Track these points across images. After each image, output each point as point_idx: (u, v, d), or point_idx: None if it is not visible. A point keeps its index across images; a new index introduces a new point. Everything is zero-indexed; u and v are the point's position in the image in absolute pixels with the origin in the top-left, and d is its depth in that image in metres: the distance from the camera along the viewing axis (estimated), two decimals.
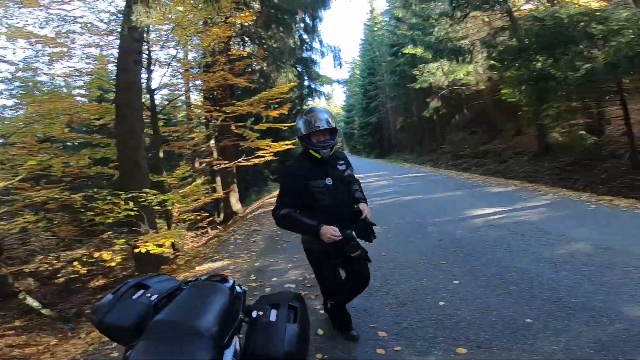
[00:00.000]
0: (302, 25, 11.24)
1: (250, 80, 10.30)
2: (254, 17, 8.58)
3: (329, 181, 2.10)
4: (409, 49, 14.01)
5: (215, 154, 12.66)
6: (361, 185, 2.39)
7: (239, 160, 12.25)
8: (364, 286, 2.41)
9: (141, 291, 1.39)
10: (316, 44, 11.65)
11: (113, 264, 4.39)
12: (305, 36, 11.43)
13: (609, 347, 2.08)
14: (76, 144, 12.75)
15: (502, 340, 2.32)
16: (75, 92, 9.24)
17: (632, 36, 6.83)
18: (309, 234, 2.07)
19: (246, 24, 9.74)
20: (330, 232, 1.96)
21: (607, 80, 7.81)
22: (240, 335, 1.39)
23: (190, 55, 10.98)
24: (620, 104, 8.41)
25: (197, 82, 11.00)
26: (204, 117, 12.65)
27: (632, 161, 8.26)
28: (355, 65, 44.16)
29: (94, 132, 9.68)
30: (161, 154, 9.55)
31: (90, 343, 3.39)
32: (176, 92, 11.44)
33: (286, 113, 11.16)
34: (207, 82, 9.51)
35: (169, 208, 7.92)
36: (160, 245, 4.49)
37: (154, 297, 1.36)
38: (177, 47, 8.29)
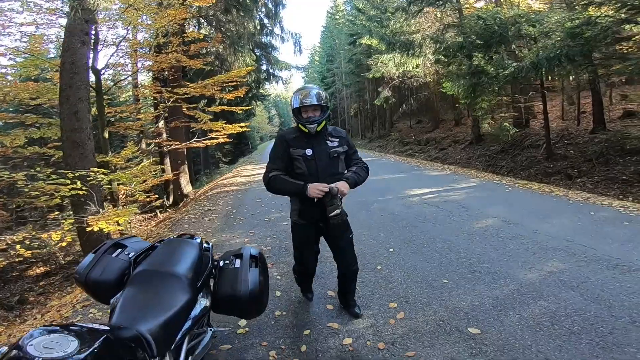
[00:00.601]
0: (263, 10, 11.12)
1: (206, 63, 10.08)
2: (214, 0, 8.38)
3: (308, 151, 2.19)
4: (365, 40, 14.38)
5: (164, 135, 12.28)
6: (364, 170, 2.37)
7: (191, 141, 12.00)
8: (350, 271, 2.48)
9: (119, 250, 1.61)
10: (277, 30, 11.61)
11: (64, 243, 4.33)
12: (266, 21, 11.31)
13: (504, 303, 2.66)
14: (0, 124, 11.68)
15: (425, 296, 2.86)
16: (9, 71, 8.43)
17: (558, 38, 7.80)
18: (297, 194, 2.15)
19: (204, 6, 9.46)
20: (318, 187, 2.06)
21: (532, 79, 8.90)
22: (211, 282, 1.69)
23: (140, 35, 10.42)
24: (541, 100, 9.63)
25: (147, 63, 10.48)
26: (152, 97, 12.14)
27: (547, 152, 9.56)
28: (315, 51, 44.02)
29: (28, 112, 8.96)
30: (106, 135, 9.12)
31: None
32: (122, 72, 10.82)
33: (241, 96, 11.10)
34: (159, 63, 9.15)
35: (115, 190, 7.70)
36: (116, 223, 4.48)
37: (132, 254, 1.59)
38: (127, 27, 7.86)
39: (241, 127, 13.02)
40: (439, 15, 11.97)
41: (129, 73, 10.50)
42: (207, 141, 12.08)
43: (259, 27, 11.30)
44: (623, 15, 6.83)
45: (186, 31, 10.09)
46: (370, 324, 2.51)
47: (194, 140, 12.07)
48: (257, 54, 11.55)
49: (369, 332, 2.41)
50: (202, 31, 10.75)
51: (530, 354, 2.05)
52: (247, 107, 13.55)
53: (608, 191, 7.51)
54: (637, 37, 7.27)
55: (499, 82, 8.36)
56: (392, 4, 14.64)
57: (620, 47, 7.79)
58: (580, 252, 3.52)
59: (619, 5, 6.77)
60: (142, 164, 11.06)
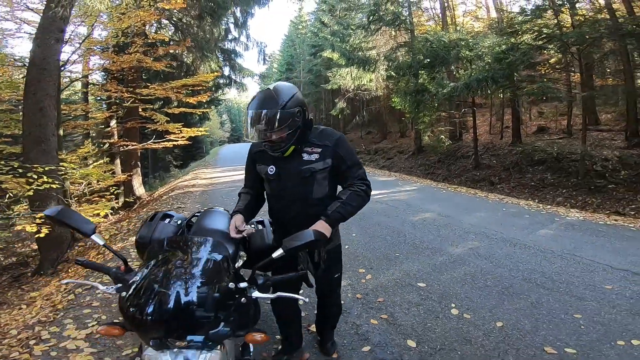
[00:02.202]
0: (232, 18, 11.51)
1: (170, 66, 10.24)
2: (184, 5, 8.67)
3: (271, 169, 1.66)
4: (328, 53, 15.26)
5: (116, 136, 11.99)
6: (358, 196, 1.66)
7: (148, 142, 11.89)
8: (328, 312, 2.07)
9: (167, 219, 2.00)
10: (243, 38, 12.02)
11: (42, 234, 4.44)
12: (232, 28, 11.71)
13: (439, 267, 3.61)
14: None
15: (384, 264, 3.72)
16: None
17: (488, 61, 9.34)
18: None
19: (172, 10, 9.67)
20: (232, 225, 1.62)
21: (466, 97, 10.45)
22: None
23: (100, 34, 10.28)
24: (472, 116, 11.30)
25: (105, 62, 10.34)
26: (107, 97, 11.84)
27: (475, 162, 11.20)
28: (275, 59, 44.24)
29: None
30: (61, 132, 8.87)
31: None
32: (74, 70, 10.52)
33: (204, 101, 11.37)
34: (120, 63, 9.16)
35: (68, 189, 7.60)
36: (96, 216, 4.68)
37: (180, 221, 2.08)
38: (93, 25, 7.89)
39: (200, 130, 13.17)
40: (393, 34, 13.29)
41: (89, 70, 10.26)
42: (166, 143, 12.08)
43: (223, 33, 11.66)
44: (540, 42, 8.53)
45: (151, 33, 10.19)
46: (348, 284, 3.26)
47: (152, 142, 11.96)
48: (221, 59, 11.89)
49: (347, 289, 3.15)
50: (167, 33, 10.89)
51: (460, 298, 2.93)
52: (206, 110, 13.70)
53: (520, 195, 9.15)
54: (550, 61, 9.09)
55: (439, 99, 9.77)
56: (353, 21, 15.79)
57: (532, 72, 9.64)
58: (492, 235, 4.67)
59: (536, 34, 8.47)
60: (95, 164, 10.77)
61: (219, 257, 1.07)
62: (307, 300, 1.20)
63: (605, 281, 3.16)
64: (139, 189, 12.71)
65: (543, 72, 10.41)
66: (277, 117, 1.49)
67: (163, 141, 11.95)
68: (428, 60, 9.83)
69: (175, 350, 0.95)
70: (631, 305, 2.67)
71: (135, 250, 2.12)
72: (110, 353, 2.23)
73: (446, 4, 13.35)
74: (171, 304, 0.93)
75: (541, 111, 14.36)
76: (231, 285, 1.03)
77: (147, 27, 10.17)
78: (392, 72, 12.23)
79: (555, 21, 8.55)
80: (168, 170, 22.69)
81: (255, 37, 33.16)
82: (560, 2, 8.15)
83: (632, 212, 7.38)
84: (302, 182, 1.65)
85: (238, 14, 11.41)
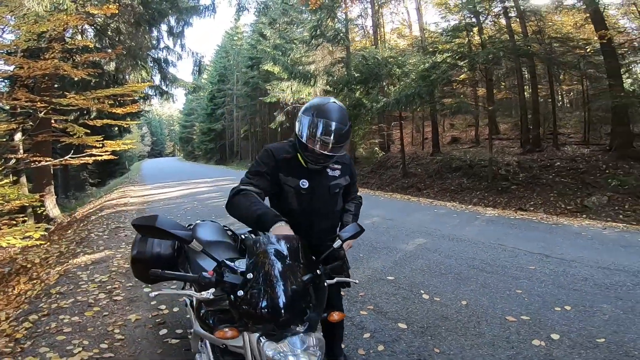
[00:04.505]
0: (165, 27, 10.93)
1: (93, 74, 9.37)
2: (116, 10, 8.04)
3: (303, 183, 1.59)
4: (268, 66, 15.26)
5: (22, 150, 10.48)
6: (359, 208, 1.88)
7: (66, 157, 10.59)
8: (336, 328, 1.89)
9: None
10: (177, 47, 11.41)
11: None
12: (166, 37, 11.09)
13: (400, 262, 4.04)
14: None
15: (352, 265, 3.72)
16: None
17: (414, 77, 10.46)
18: (259, 225, 1.37)
19: (108, 15, 8.89)
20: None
21: (394, 111, 11.54)
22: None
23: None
24: (399, 129, 12.48)
25: (10, 67, 9.03)
26: (11, 107, 10.29)
27: (403, 171, 12.36)
28: (205, 70, 42.33)
29: None
30: None
31: None
32: None
33: (134, 112, 10.58)
34: (33, 69, 8.11)
35: None
36: (27, 238, 4.11)
37: None
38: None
39: (126, 143, 12.13)
40: (331, 49, 14.00)
41: None
42: (87, 158, 10.87)
43: (155, 42, 11.06)
44: (455, 61, 9.92)
45: (75, 39, 9.26)
46: None
47: (69, 157, 10.68)
48: (152, 68, 11.20)
49: None
50: (92, 39, 9.94)
51: (426, 285, 3.35)
52: (135, 122, 12.72)
53: (443, 198, 10.38)
54: (460, 77, 10.57)
55: (373, 113, 10.65)
56: (292, 34, 16.16)
57: (450, 88, 11.11)
58: (433, 233, 5.39)
59: (452, 53, 9.83)
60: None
61: (298, 251, 1.22)
62: (357, 282, 1.42)
63: (529, 263, 3.91)
64: (54, 210, 11.21)
65: (454, 88, 12.03)
66: (349, 134, 1.53)
67: (84, 156, 10.73)
68: (364, 76, 10.65)
69: (290, 336, 1.06)
70: (553, 280, 3.38)
71: (131, 267, 2.09)
72: None
73: (378, 22, 14.54)
74: (287, 297, 1.05)
75: (452, 123, 16.47)
76: (318, 272, 1.20)
77: (69, 31, 9.23)
78: (331, 87, 12.86)
79: (474, 39, 10.09)
80: (83, 189, 20.24)
81: (192, 47, 31.60)
82: (471, 22, 9.67)
83: (532, 208, 8.95)
84: (331, 198, 1.69)
85: (173, 22, 10.93)
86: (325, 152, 1.47)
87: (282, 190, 1.61)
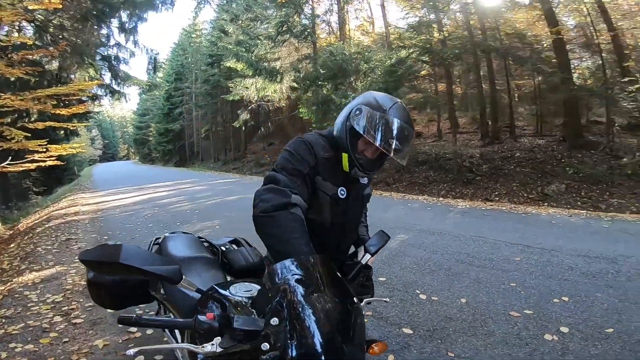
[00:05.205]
0: (118, 22, 9.99)
1: (34, 74, 8.38)
2: (60, 5, 7.15)
3: (342, 192, 1.30)
4: (231, 63, 14.66)
5: None
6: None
7: (3, 165, 9.42)
8: None
9: None
10: (130, 44, 10.48)
11: None
12: (117, 33, 10.14)
13: (388, 261, 3.88)
14: None
15: None
16: None
17: (380, 73, 10.44)
18: (284, 258, 0.98)
19: (50, 10, 7.91)
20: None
21: None
22: None
23: None
24: None
25: None
26: None
27: None
28: (159, 68, 40.16)
29: None
30: None
31: None
32: None
33: (82, 113, 9.63)
34: None
35: None
36: None
37: None
38: None
39: (73, 147, 11.06)
40: (297, 45, 13.67)
41: None
42: (29, 164, 9.75)
43: (105, 39, 10.12)
44: (422, 57, 10.03)
45: (8, 35, 8.23)
46: None
47: (7, 164, 9.51)
48: (102, 66, 10.25)
49: None
50: (31, 36, 8.86)
51: (420, 284, 3.21)
52: (84, 124, 11.63)
53: (412, 192, 10.51)
54: (422, 73, 10.77)
55: (342, 109, 10.50)
56: (256, 30, 15.54)
57: (415, 83, 11.27)
58: (412, 227, 5.31)
59: (417, 49, 9.93)
60: None
61: (326, 275, 0.96)
62: (388, 300, 1.21)
63: (512, 254, 3.93)
64: None
65: (417, 83, 12.26)
66: (412, 139, 1.26)
67: (24, 162, 9.62)
68: (332, 72, 10.49)
69: None
70: (542, 271, 3.39)
71: (88, 289, 1.75)
72: None
73: (343, 19, 14.43)
74: (326, 341, 0.78)
75: (414, 118, 16.89)
76: (356, 300, 0.95)
77: (4, 28, 8.20)
78: (299, 83, 12.58)
79: (435, 36, 10.29)
80: (26, 198, 18.30)
81: (146, 43, 29.72)
82: (430, 20, 9.87)
83: (497, 198, 9.27)
84: (361, 209, 1.48)
85: (125, 17, 10.05)
86: (390, 156, 1.19)
87: (314, 197, 1.25)
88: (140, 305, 2.61)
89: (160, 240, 1.90)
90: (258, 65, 13.06)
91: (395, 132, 1.16)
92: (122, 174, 24.40)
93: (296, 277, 0.89)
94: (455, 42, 9.82)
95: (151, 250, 1.86)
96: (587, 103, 10.47)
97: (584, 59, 11.21)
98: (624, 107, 8.66)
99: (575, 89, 9.54)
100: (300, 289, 0.86)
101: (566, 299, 2.76)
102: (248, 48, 14.03)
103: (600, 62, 9.90)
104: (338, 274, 0.98)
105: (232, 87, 16.14)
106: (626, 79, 8.35)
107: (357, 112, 1.22)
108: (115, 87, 11.31)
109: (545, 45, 10.25)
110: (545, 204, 8.16)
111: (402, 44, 10.42)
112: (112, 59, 10.66)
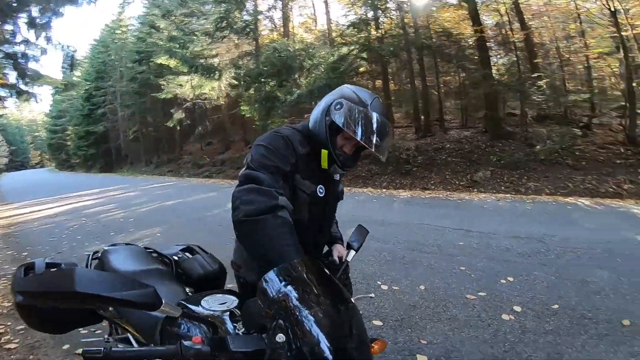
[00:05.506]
0: (27, 17, 8.50)
1: None
2: None
3: (321, 190, 1.25)
4: (163, 60, 13.57)
5: None
6: None
7: None
8: None
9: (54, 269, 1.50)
10: (41, 40, 9.00)
11: None
12: (25, 29, 8.62)
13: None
14: None
15: None
16: None
17: (323, 69, 10.48)
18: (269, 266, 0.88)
19: None
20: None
21: (306, 104, 11.53)
22: None
23: None
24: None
25: None
26: None
27: None
28: (77, 66, 35.76)
29: None
30: None
31: None
32: None
33: None
34: None
35: None
36: None
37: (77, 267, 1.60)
38: None
39: None
40: (236, 42, 13.08)
41: None
42: None
43: (10, 36, 8.61)
44: (363, 54, 10.30)
45: None
46: None
47: None
48: (4, 64, 8.72)
49: None
50: None
51: (379, 275, 3.31)
52: None
53: (357, 185, 10.86)
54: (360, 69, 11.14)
55: (286, 106, 10.40)
56: (191, 25, 14.70)
57: (356, 79, 11.59)
58: (362, 219, 5.29)
59: (358, 46, 10.18)
60: None
61: (319, 278, 0.90)
62: (373, 296, 1.21)
63: (456, 239, 4.23)
64: None
65: (356, 80, 12.65)
66: (389, 134, 1.22)
67: None
68: (276, 68, 10.30)
69: None
70: (484, 254, 3.71)
71: (18, 313, 1.48)
72: None
73: (287, 15, 14.20)
74: (337, 350, 0.72)
75: None
76: (353, 300, 0.90)
77: None
78: (241, 80, 12.14)
79: (374, 33, 10.65)
80: None
81: (62, 40, 26.33)
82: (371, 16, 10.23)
83: (433, 187, 9.96)
84: (335, 206, 1.39)
85: (36, 12, 8.66)
86: (372, 151, 1.15)
87: (293, 196, 1.17)
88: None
89: (99, 255, 1.67)
90: (194, 62, 12.30)
91: (376, 127, 1.13)
92: (37, 183, 21.44)
93: (293, 285, 0.82)
94: (392, 40, 10.28)
95: (90, 267, 1.65)
96: (504, 97, 11.71)
97: (500, 56, 12.47)
98: (534, 100, 9.83)
99: (495, 84, 10.60)
100: (299, 298, 0.79)
101: (511, 279, 3.05)
102: (183, 44, 13.13)
103: (515, 58, 11.12)
104: (331, 276, 0.91)
105: (164, 85, 15.05)
106: (535, 75, 9.49)
107: (338, 106, 1.16)
108: (23, 87, 9.81)
109: (470, 43, 11.19)
110: (475, 189, 8.96)
111: (343, 41, 10.61)
112: (20, 56, 9.22)
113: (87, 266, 1.66)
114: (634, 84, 8.59)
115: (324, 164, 1.20)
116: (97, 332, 2.34)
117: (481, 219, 5.14)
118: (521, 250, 3.72)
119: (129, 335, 1.36)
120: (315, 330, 0.73)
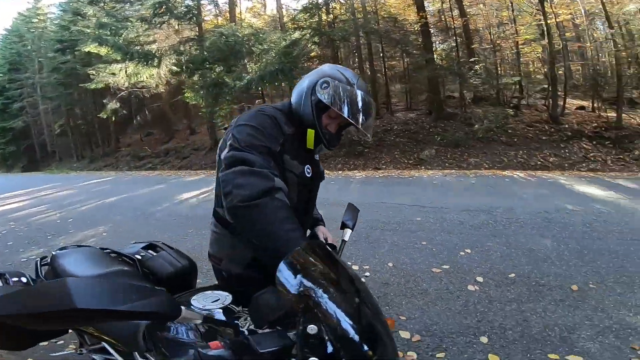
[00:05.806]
0: None
1: None
2: None
3: (308, 171, 1.21)
4: (91, 48, 12.07)
5: None
6: None
7: None
8: None
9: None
10: None
11: None
12: None
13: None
14: None
15: None
16: None
17: (274, 55, 10.16)
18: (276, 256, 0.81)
19: None
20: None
21: (256, 89, 11.19)
22: None
23: None
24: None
25: None
26: None
27: None
28: None
29: None
30: None
31: None
32: None
33: None
34: None
35: None
36: None
37: (24, 278, 1.42)
38: None
39: None
40: (177, 27, 12.09)
41: None
42: None
43: None
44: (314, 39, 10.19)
45: None
46: None
47: None
48: None
49: None
50: None
51: (347, 256, 3.28)
52: None
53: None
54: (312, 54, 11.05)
55: (236, 92, 9.99)
56: (124, 12, 13.42)
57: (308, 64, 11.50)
58: (322, 202, 5.35)
59: (306, 30, 10.02)
60: None
61: (333, 263, 0.87)
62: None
63: (413, 215, 4.47)
64: None
65: (307, 65, 12.59)
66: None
67: None
68: (224, 54, 9.79)
69: None
70: (440, 227, 3.98)
71: None
72: None
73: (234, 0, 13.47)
74: (372, 336, 0.72)
75: None
76: (363, 280, 0.90)
77: None
78: (183, 67, 11.33)
79: (325, 19, 10.56)
80: None
81: None
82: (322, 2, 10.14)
83: (384, 166, 10.38)
84: (318, 187, 1.34)
85: None
86: (359, 129, 1.14)
87: (282, 178, 1.06)
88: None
89: (49, 260, 1.50)
90: (128, 49, 11.16)
91: (362, 105, 1.13)
92: None
93: (312, 273, 0.78)
94: (342, 25, 10.30)
95: (41, 274, 1.48)
96: (444, 80, 12.43)
97: (440, 42, 13.12)
98: (472, 83, 10.56)
99: (437, 68, 11.17)
100: (322, 286, 0.76)
101: (469, 250, 3.30)
102: (115, 31, 11.83)
103: (454, 44, 11.77)
104: (338, 258, 0.90)
105: (93, 75, 13.53)
106: (472, 59, 10.17)
107: (325, 85, 1.13)
108: None
109: (415, 28, 11.60)
110: (423, 167, 9.51)
111: (295, 26, 10.38)
112: None
113: (36, 274, 1.49)
114: (555, 68, 9.59)
115: (310, 143, 1.17)
116: (58, 342, 2.11)
117: (433, 194, 5.48)
118: (473, 223, 4.04)
119: (104, 344, 1.25)
120: (346, 318, 0.71)
